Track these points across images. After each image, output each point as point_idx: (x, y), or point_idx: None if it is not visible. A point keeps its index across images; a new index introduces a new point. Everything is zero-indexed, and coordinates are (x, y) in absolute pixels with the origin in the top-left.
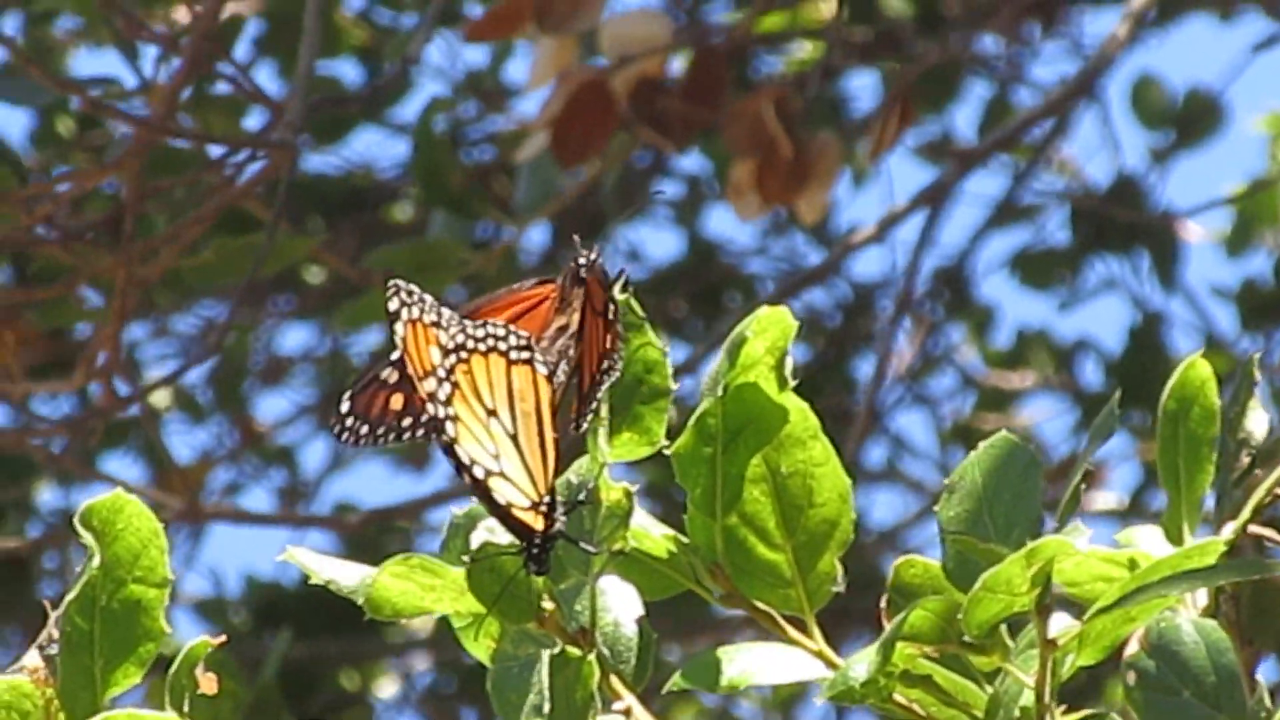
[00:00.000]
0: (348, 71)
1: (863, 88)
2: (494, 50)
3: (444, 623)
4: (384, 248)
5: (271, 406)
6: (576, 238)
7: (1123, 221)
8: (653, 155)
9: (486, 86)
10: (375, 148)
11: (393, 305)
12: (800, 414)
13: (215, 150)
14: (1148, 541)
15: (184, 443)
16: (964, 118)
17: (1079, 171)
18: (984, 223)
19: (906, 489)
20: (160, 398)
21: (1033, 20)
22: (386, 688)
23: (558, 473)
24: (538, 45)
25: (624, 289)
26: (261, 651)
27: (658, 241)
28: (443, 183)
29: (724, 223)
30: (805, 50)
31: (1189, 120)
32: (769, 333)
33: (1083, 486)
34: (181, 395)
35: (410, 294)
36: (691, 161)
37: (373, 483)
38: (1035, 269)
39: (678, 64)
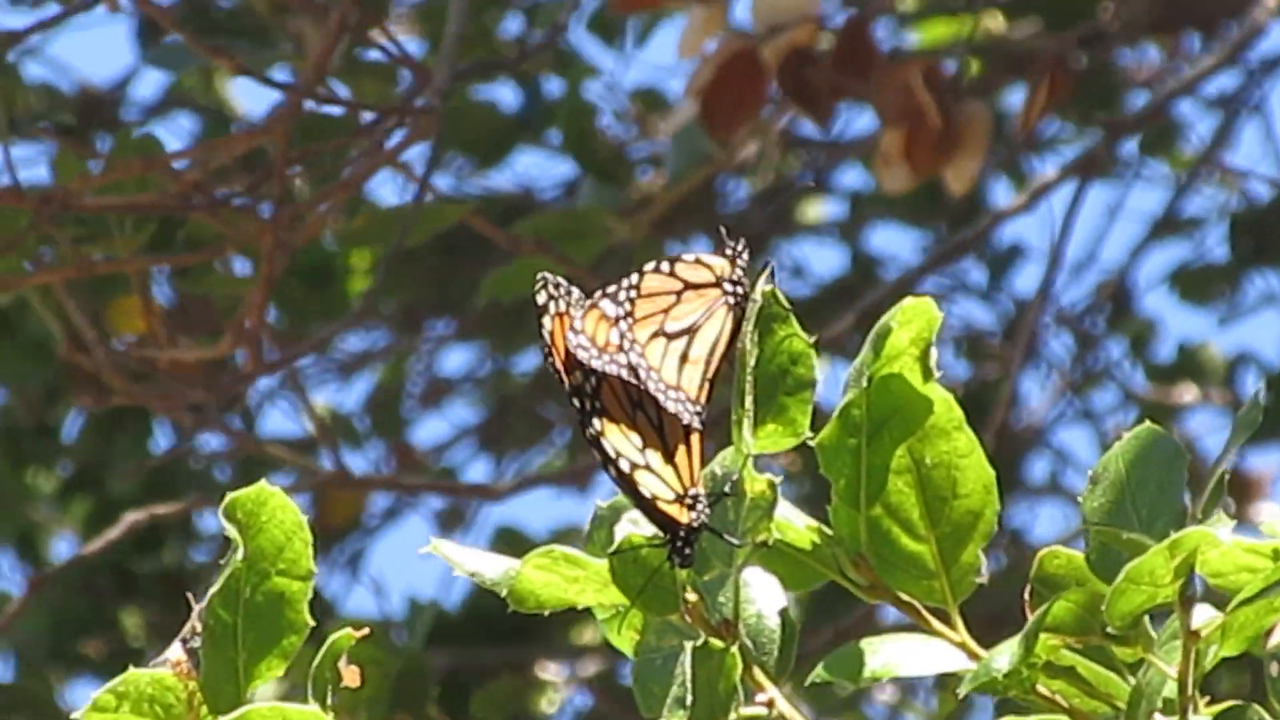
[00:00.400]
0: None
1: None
2: (642, 22)
3: (605, 640)
4: (533, 215)
5: (431, 430)
6: (723, 229)
7: None
8: (812, 174)
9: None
10: (535, 169)
11: (540, 299)
12: (945, 405)
13: (364, 116)
14: None
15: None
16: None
17: (1240, 184)
18: (1144, 237)
19: (1069, 504)
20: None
21: (1192, 30)
22: (548, 707)
23: (702, 465)
24: (688, 14)
25: (769, 280)
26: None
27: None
28: (591, 148)
29: (887, 239)
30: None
31: None
32: (914, 323)
33: (1227, 476)
34: (340, 420)
35: (558, 287)
36: (854, 177)
37: (534, 507)
38: (1195, 284)
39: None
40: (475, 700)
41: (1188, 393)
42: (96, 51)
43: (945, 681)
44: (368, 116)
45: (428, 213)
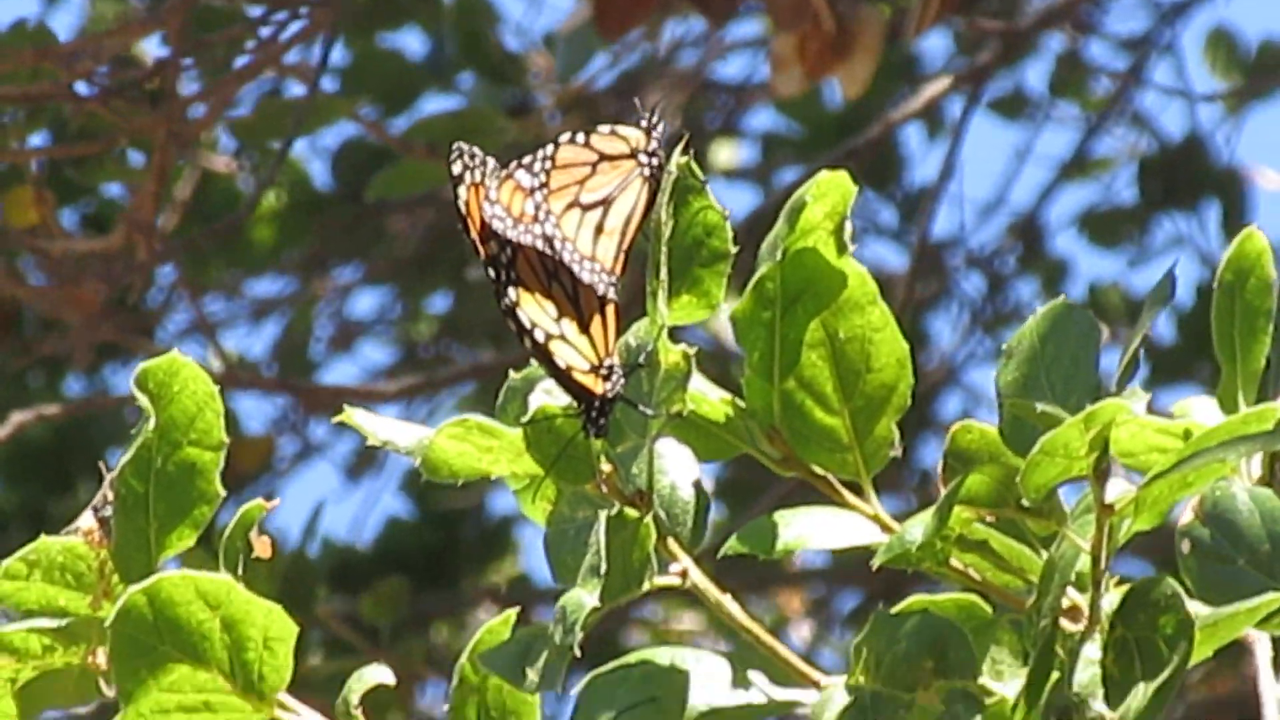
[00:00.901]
0: None
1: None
2: None
3: (518, 580)
4: (424, 117)
5: (340, 373)
6: (638, 100)
7: (1192, 177)
8: (721, 117)
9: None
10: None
11: (456, 168)
12: (859, 279)
13: (257, 9)
14: (1203, 412)
15: (250, 414)
16: (1035, 74)
17: (1150, 127)
18: (1054, 178)
19: None
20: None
21: None
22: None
23: (617, 336)
24: None
25: (683, 152)
26: (336, 612)
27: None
28: (482, 49)
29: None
30: None
31: (1262, 71)
32: (828, 197)
33: (1140, 352)
34: (247, 366)
35: (473, 157)
36: (764, 119)
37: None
38: (1104, 226)
39: None
40: (364, 602)
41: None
42: None
43: (859, 617)
44: (263, 9)
45: (319, 106)
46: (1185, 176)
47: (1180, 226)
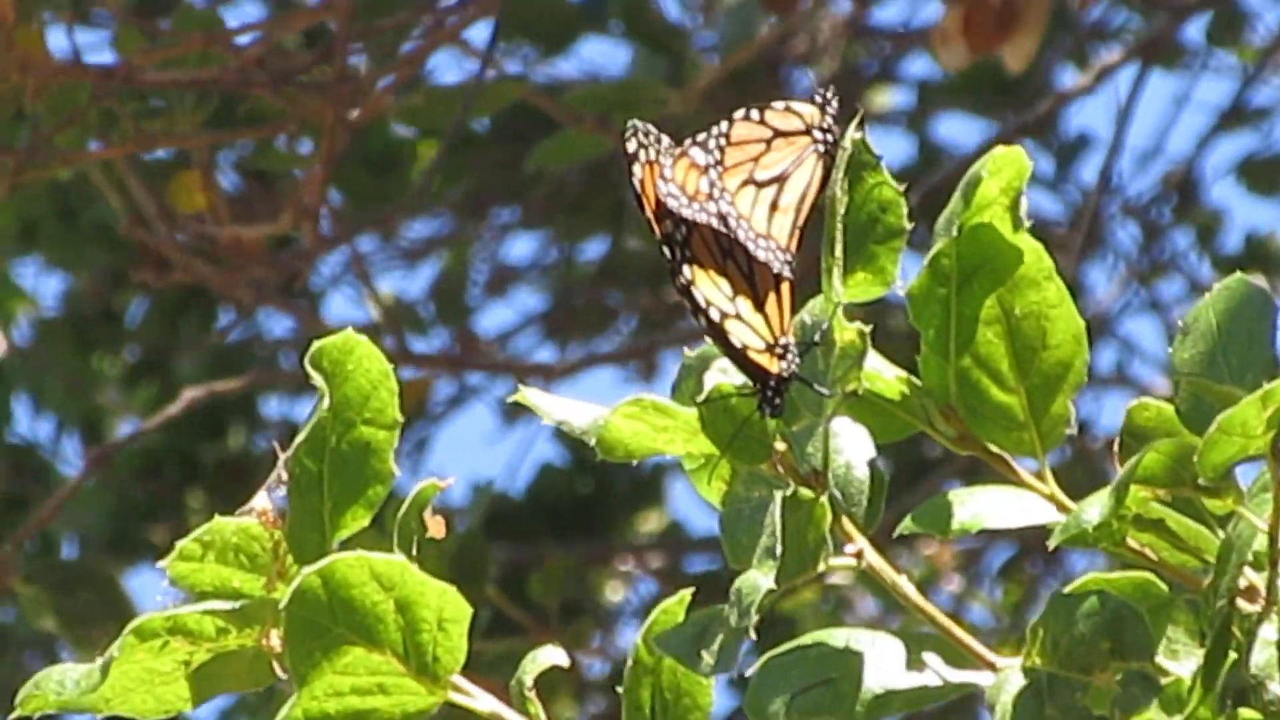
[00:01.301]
0: None
1: None
2: None
3: (670, 530)
4: (583, 85)
5: (496, 318)
6: (812, 74)
7: None
8: (879, 63)
9: None
10: (600, 57)
11: (630, 146)
12: (1035, 255)
13: None
14: None
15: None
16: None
17: None
18: (1211, 128)
19: (1135, 393)
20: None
21: None
22: (612, 595)
23: (793, 313)
24: None
25: (858, 128)
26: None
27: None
28: (643, 18)
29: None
30: None
31: None
32: (1004, 173)
33: None
34: (404, 307)
35: (648, 135)
36: (920, 66)
37: (600, 393)
38: (1262, 174)
39: None
40: (533, 580)
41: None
42: None
43: (1010, 572)
44: None
45: (489, 90)
46: None
47: None
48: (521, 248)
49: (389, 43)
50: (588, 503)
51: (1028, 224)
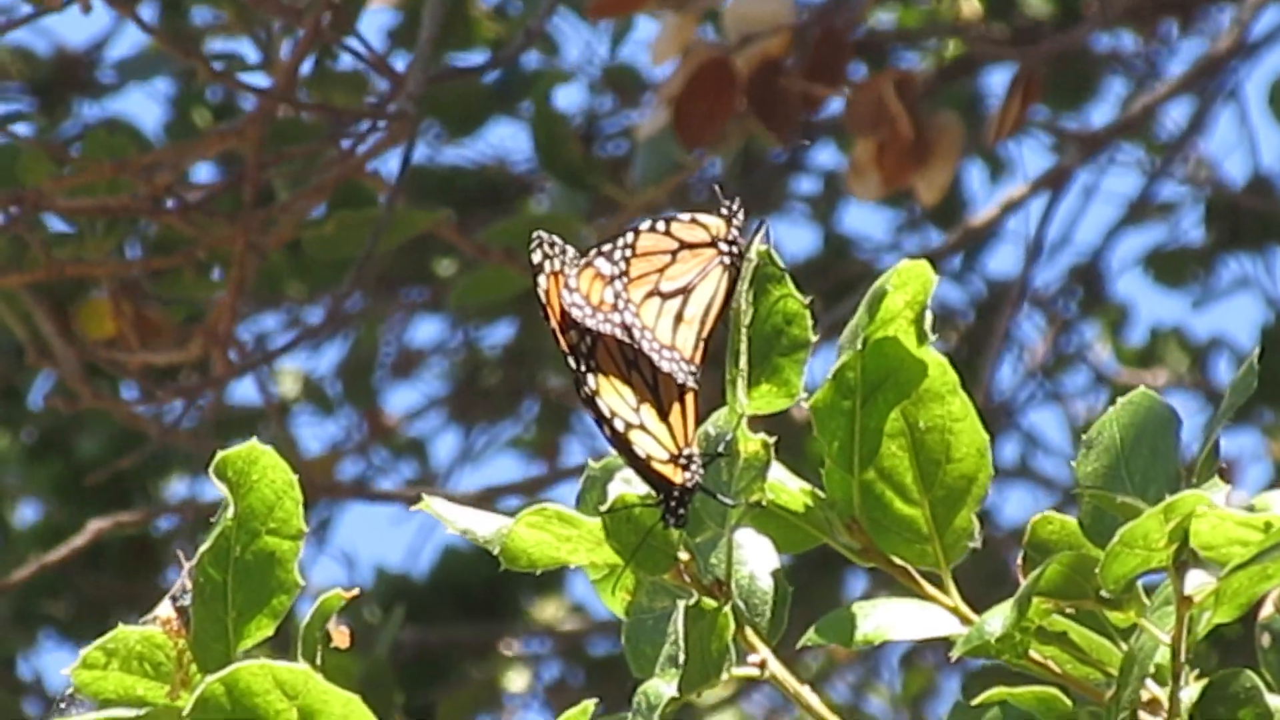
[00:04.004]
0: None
1: (1000, 84)
2: (616, 27)
3: (572, 613)
4: (500, 221)
5: (402, 399)
6: (718, 188)
7: (1257, 219)
8: (789, 152)
9: (623, 81)
10: (510, 140)
11: (535, 257)
12: (939, 368)
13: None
14: None
15: (313, 435)
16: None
17: (1214, 169)
18: (1118, 220)
19: (1038, 486)
20: (289, 389)
21: (1170, 18)
22: (515, 681)
23: (696, 425)
24: (662, 21)
25: (764, 240)
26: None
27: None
28: (560, 154)
29: (859, 219)
30: (945, 47)
31: None
32: (909, 286)
33: (1220, 442)
34: (311, 387)
35: (553, 246)
36: (828, 156)
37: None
38: (1169, 267)
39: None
40: (441, 710)
41: (1160, 376)
42: (73, 13)
43: (911, 661)
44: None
45: (399, 219)
46: (1251, 218)
47: (1246, 267)
48: (427, 330)
49: (299, 170)
50: (492, 584)
51: (932, 338)
